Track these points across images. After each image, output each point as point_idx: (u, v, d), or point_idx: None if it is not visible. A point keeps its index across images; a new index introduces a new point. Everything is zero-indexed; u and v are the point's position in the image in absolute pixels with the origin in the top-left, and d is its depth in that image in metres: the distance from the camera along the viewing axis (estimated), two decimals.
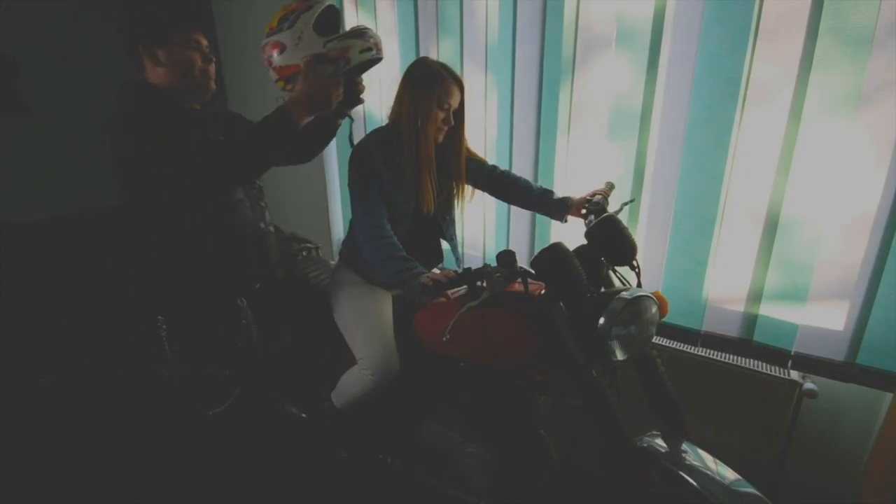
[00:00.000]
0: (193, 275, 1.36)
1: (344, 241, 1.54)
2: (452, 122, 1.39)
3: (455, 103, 1.37)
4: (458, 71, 1.84)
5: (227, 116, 1.49)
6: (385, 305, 1.44)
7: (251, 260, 1.44)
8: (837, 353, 1.40)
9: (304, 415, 1.62)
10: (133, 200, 1.26)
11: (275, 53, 1.27)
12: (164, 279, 1.38)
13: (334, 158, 2.37)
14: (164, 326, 1.43)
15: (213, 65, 1.32)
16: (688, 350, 1.57)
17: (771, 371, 1.46)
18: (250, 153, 1.17)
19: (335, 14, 1.34)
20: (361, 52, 1.25)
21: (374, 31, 1.31)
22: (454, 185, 1.49)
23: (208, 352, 1.48)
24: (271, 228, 1.52)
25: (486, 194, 1.60)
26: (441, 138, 1.40)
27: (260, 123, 1.18)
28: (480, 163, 1.54)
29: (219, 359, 1.50)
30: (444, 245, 1.60)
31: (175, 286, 1.38)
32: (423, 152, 1.35)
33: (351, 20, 2.10)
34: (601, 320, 1.01)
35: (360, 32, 1.27)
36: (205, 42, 1.30)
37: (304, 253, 1.77)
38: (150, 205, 1.26)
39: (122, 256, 2.19)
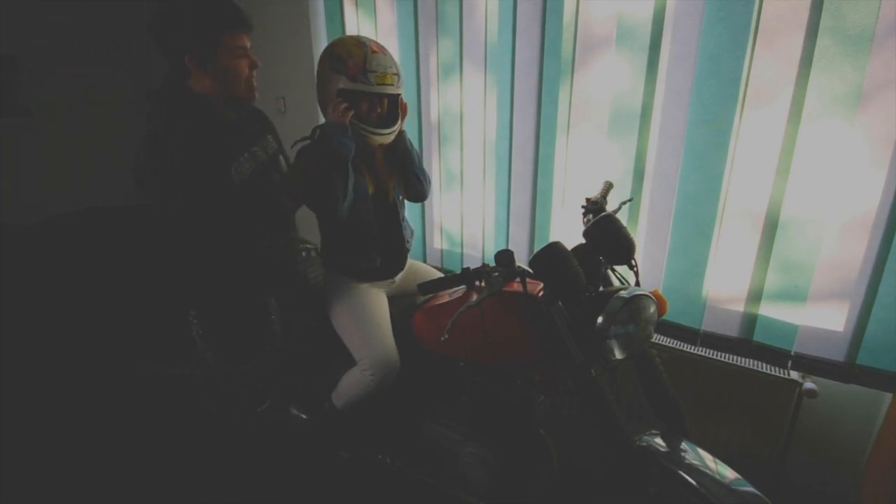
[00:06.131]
0: (230, 271, 1.38)
1: (322, 249, 1.51)
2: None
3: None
4: (457, 71, 1.86)
5: (251, 114, 1.47)
6: (382, 305, 1.44)
7: (285, 258, 1.50)
8: (837, 354, 1.40)
9: (304, 416, 1.62)
10: (170, 209, 1.29)
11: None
12: (199, 275, 1.40)
13: None
14: (195, 321, 1.44)
15: (257, 70, 1.32)
16: (687, 350, 1.57)
17: (771, 371, 1.45)
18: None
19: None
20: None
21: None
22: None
23: (243, 347, 1.50)
24: (297, 232, 1.58)
25: (487, 190, 1.58)
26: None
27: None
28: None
29: (253, 354, 1.52)
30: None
31: (211, 282, 1.40)
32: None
33: (351, 20, 2.10)
34: (599, 319, 1.01)
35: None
36: (249, 44, 1.30)
37: (304, 254, 1.77)
38: (189, 215, 1.29)
39: (134, 254, 2.20)
